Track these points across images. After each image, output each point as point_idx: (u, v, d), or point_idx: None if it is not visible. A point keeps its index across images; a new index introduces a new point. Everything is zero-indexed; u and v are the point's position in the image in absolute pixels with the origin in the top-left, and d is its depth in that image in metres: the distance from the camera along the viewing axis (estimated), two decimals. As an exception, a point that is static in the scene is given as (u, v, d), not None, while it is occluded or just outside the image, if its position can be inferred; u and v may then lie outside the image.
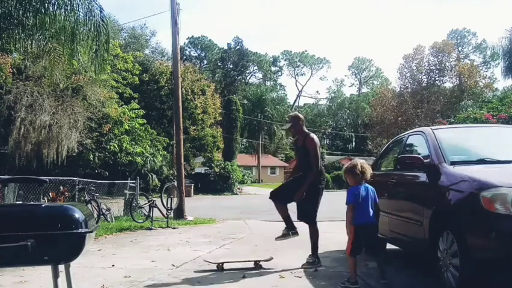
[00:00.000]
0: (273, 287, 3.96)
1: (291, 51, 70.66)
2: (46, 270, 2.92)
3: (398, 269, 4.78)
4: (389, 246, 5.30)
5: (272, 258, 4.97)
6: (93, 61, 8.16)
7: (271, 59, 67.02)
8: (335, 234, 7.30)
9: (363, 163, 3.99)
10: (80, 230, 2.44)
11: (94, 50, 7.99)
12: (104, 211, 9.70)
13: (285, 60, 70.97)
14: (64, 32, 7.79)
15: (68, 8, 7.54)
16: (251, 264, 4.79)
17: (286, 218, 5.00)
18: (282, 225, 5.11)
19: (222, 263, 4.74)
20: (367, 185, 3.98)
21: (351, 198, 3.90)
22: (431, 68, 42.03)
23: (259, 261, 4.80)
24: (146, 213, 9.77)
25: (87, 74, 15.70)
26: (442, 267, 3.50)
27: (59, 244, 2.42)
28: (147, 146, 22.76)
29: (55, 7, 7.59)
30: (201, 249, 6.07)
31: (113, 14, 54.39)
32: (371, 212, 3.89)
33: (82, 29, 7.82)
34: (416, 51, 42.01)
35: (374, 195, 3.96)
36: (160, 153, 24.64)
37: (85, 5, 7.72)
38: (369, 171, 3.98)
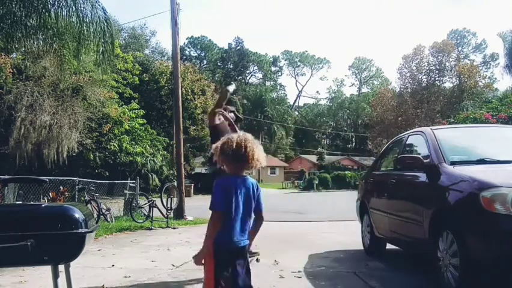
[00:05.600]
0: (272, 287, 3.95)
1: (291, 51, 70.71)
2: (46, 270, 2.92)
3: (398, 269, 4.78)
4: (389, 246, 5.30)
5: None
6: (101, 62, 8.22)
7: (271, 59, 67.00)
8: (335, 234, 7.32)
9: (250, 140, 2.25)
10: (80, 230, 2.44)
11: (100, 51, 8.04)
12: (104, 211, 9.69)
13: (285, 60, 71.02)
14: (70, 32, 7.84)
15: (73, 8, 7.58)
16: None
17: None
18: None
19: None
20: (250, 178, 2.33)
21: (218, 197, 2.21)
22: (431, 68, 42.13)
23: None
24: (146, 213, 9.79)
25: (87, 75, 15.74)
26: (442, 267, 3.50)
27: (59, 244, 2.43)
28: (147, 146, 22.78)
29: (59, 8, 7.63)
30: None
31: (113, 14, 54.25)
32: (246, 226, 2.28)
33: (86, 29, 7.86)
34: (415, 51, 42.12)
35: (257, 196, 2.32)
36: (160, 153, 24.65)
37: (88, 6, 7.75)
38: (260, 157, 2.26)
